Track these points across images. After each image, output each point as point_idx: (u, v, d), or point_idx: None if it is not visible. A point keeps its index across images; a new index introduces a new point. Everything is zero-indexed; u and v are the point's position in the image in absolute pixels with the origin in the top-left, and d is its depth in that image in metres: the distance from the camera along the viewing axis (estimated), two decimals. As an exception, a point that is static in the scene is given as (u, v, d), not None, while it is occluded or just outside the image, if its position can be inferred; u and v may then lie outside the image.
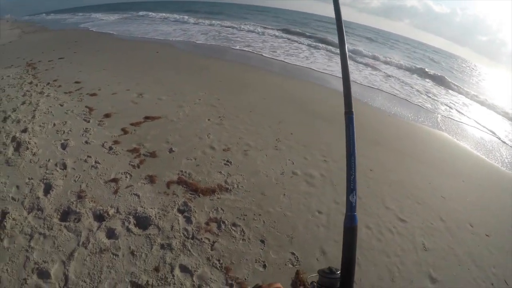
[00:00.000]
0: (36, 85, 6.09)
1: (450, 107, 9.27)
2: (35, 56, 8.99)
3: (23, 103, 5.06)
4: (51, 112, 4.77)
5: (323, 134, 4.82)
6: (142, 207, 2.78)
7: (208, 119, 4.78)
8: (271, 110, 5.48)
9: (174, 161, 3.57)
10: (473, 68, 38.17)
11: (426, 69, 15.36)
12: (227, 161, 3.65)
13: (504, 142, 7.05)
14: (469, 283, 2.60)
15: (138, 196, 2.94)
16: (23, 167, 3.32)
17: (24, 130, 4.10)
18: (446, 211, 3.48)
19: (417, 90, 10.51)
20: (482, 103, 11.47)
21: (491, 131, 7.70)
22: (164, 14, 30.62)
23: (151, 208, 2.77)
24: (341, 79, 1.19)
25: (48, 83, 6.20)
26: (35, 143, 3.79)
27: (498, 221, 3.63)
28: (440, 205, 3.59)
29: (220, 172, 3.41)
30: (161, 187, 3.10)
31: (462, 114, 8.82)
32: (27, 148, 3.67)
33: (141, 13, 33.87)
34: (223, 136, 4.28)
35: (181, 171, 3.37)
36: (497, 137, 7.30)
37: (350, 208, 0.91)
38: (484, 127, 7.92)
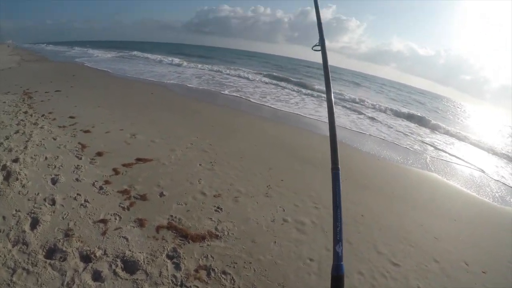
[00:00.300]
0: (31, 115, 6.13)
1: (438, 148, 9.70)
2: (32, 86, 9.11)
3: (17, 132, 5.07)
4: (43, 144, 4.79)
5: (313, 180, 4.96)
6: (130, 250, 2.77)
7: (200, 164, 4.88)
8: (262, 156, 5.65)
9: (164, 205, 3.60)
10: (458, 107, 41.22)
11: (412, 111, 16.32)
12: (218, 207, 3.70)
13: (493, 178, 7.41)
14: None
15: (127, 239, 2.93)
16: (11, 198, 3.28)
17: (16, 160, 4.09)
18: (439, 252, 3.56)
19: (404, 133, 11.00)
20: (468, 141, 12.11)
21: (479, 167, 8.10)
22: (159, 56, 31.79)
23: (140, 252, 2.76)
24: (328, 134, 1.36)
25: (43, 115, 6.26)
26: (25, 175, 3.77)
27: (493, 257, 3.75)
28: (433, 246, 3.68)
29: (211, 218, 3.45)
30: (151, 231, 3.09)
31: (450, 153, 9.26)
32: (17, 179, 3.64)
33: (134, 52, 35.09)
34: (214, 182, 4.36)
35: (171, 215, 3.39)
36: (485, 174, 7.67)
37: (337, 257, 1.02)
38: (472, 164, 8.33)
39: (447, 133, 12.93)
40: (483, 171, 7.81)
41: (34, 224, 2.94)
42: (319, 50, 1.75)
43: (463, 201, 5.56)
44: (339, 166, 1.26)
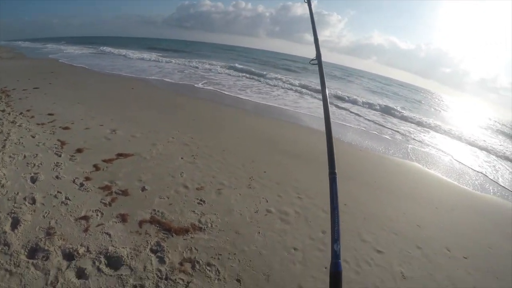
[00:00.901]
0: (9, 113, 5.97)
1: (416, 139, 9.94)
2: (9, 83, 8.83)
3: (-7, 132, 4.95)
4: (22, 143, 4.68)
5: (296, 171, 5.06)
6: (113, 246, 2.78)
7: (181, 158, 4.89)
8: (244, 149, 5.70)
9: (146, 200, 3.60)
10: (438, 99, 42.04)
11: (391, 104, 16.64)
12: (201, 200, 3.73)
13: (472, 168, 7.72)
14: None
15: (110, 235, 2.93)
16: (-10, 199, 3.23)
17: (-7, 160, 4.01)
18: (422, 239, 3.70)
19: (381, 124, 11.24)
20: (448, 133, 12.41)
21: (459, 158, 8.40)
22: (138, 51, 31.26)
23: (123, 247, 2.77)
24: (325, 136, 1.41)
25: (21, 113, 6.10)
26: (4, 174, 3.70)
27: (474, 242, 3.93)
28: (416, 234, 3.81)
29: (194, 211, 3.48)
30: (133, 226, 3.10)
31: (429, 144, 9.53)
32: (-5, 179, 3.58)
33: (104, 48, 34.39)
34: (196, 175, 4.38)
35: (154, 210, 3.40)
36: (465, 164, 7.94)
37: (335, 255, 1.07)
38: (452, 155, 8.62)
39: (426, 125, 13.11)
40: (463, 162, 8.04)
41: (15, 224, 2.90)
42: (316, 64, 1.90)
43: (445, 190, 5.76)
44: (336, 171, 1.31)
